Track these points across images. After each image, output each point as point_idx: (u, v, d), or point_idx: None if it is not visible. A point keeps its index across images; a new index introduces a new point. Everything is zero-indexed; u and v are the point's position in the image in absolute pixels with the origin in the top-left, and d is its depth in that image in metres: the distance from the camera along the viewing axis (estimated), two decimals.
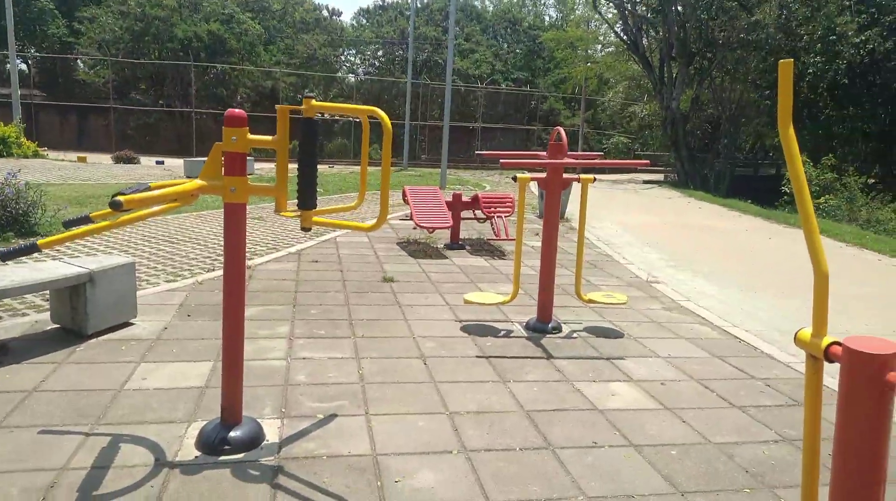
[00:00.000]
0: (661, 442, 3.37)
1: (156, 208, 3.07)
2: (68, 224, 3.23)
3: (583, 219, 5.19)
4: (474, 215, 9.25)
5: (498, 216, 8.59)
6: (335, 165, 27.83)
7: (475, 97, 37.88)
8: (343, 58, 46.22)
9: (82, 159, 21.64)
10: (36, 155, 21.14)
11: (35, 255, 5.56)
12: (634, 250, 9.38)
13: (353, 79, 43.86)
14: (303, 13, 42.19)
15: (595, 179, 5.15)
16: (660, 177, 26.29)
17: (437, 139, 33.57)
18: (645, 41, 26.34)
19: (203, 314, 5.08)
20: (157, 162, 22.67)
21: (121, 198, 2.56)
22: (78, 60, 40.23)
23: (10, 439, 3.02)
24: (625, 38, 26.19)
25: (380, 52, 43.47)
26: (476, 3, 46.80)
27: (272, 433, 3.21)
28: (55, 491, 2.63)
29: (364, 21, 44.97)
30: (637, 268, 8.04)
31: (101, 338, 4.38)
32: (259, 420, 3.26)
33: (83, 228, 2.88)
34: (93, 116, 35.54)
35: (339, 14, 45.10)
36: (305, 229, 3.21)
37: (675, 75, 24.76)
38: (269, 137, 3.07)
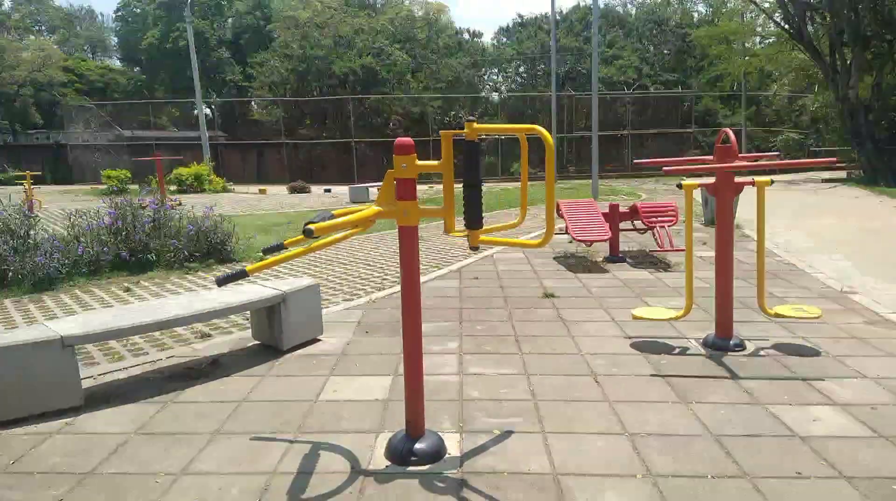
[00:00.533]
0: (878, 475, 3.01)
1: (340, 235, 3.33)
2: (266, 251, 3.61)
3: (761, 225, 4.82)
4: (633, 225, 8.95)
5: (660, 226, 8.24)
6: (485, 183, 28.35)
7: (622, 104, 36.77)
8: (486, 77, 47.11)
9: (262, 191, 24.03)
10: (224, 189, 23.87)
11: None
12: (822, 258, 8.51)
13: (496, 97, 44.53)
14: (445, 39, 43.66)
15: (772, 182, 4.77)
16: (842, 174, 23.67)
17: (583, 150, 33.00)
18: (810, 28, 23.97)
19: (379, 331, 5.39)
20: (325, 190, 24.53)
21: (312, 226, 2.82)
22: (252, 102, 44.85)
23: (229, 444, 3.42)
24: (786, 26, 24.04)
25: (521, 68, 43.78)
26: (618, 7, 45.60)
27: (453, 447, 3.32)
28: (269, 495, 2.93)
29: (504, 39, 45.55)
30: (827, 277, 7.28)
31: (295, 353, 4.82)
32: (440, 434, 3.39)
33: (282, 254, 3.21)
34: (268, 152, 39.37)
35: (480, 35, 46.05)
36: (474, 248, 3.31)
37: (848, 62, 22.24)
38: (435, 162, 3.21)
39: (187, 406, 3.90)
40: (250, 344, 5.10)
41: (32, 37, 52.62)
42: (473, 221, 3.11)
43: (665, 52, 41.06)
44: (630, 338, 5.12)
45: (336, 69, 37.99)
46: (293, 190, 24.20)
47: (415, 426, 3.24)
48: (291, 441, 3.42)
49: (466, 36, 45.30)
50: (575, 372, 4.39)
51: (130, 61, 54.17)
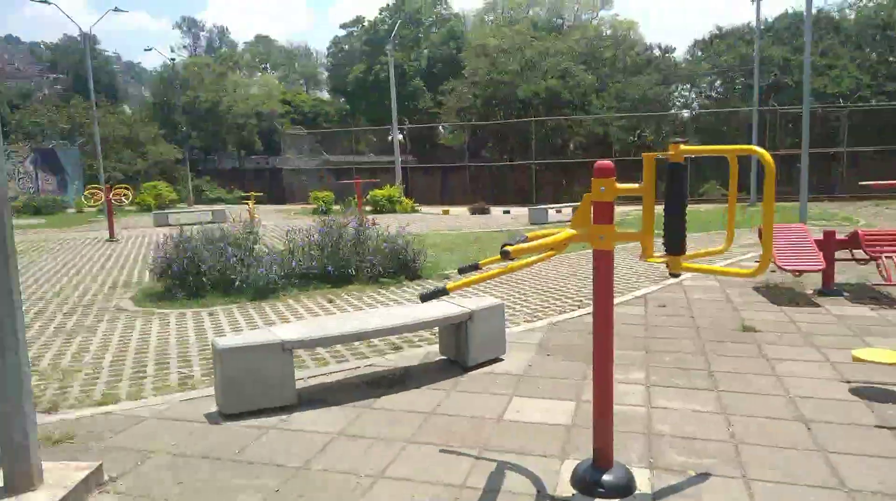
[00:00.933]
0: None
1: (534, 257, 3.38)
2: (462, 271, 3.77)
3: None
4: (852, 254, 7.93)
5: (887, 256, 7.20)
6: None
7: (836, 118, 32.81)
8: (676, 94, 44.90)
9: (446, 212, 25.14)
10: (413, 210, 25.35)
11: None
12: None
13: (686, 114, 42.25)
14: (633, 56, 42.43)
15: None
16: None
17: (788, 169, 29.92)
18: None
19: (561, 354, 5.35)
20: (504, 211, 24.99)
21: (508, 248, 2.90)
22: (440, 127, 47.21)
23: (420, 453, 3.60)
24: None
25: (717, 83, 41.04)
26: (834, 13, 40.94)
27: (643, 483, 3.18)
28: None
29: (699, 52, 43.08)
30: None
31: (479, 371, 4.95)
32: (628, 467, 3.27)
33: (479, 274, 3.33)
34: (451, 174, 41.15)
35: (672, 50, 44.01)
36: (674, 274, 3.17)
37: None
38: (634, 185, 3.14)
39: (382, 413, 4.18)
40: (437, 359, 5.34)
41: (259, 74, 60.61)
42: (676, 246, 2.99)
43: (890, 59, 36.00)
44: (849, 382, 4.53)
45: (521, 93, 38.68)
46: (474, 211, 24.95)
47: (603, 455, 3.16)
48: (477, 457, 3.51)
49: (657, 52, 43.62)
50: (781, 416, 3.98)
51: (338, 93, 60.02)
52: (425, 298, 3.11)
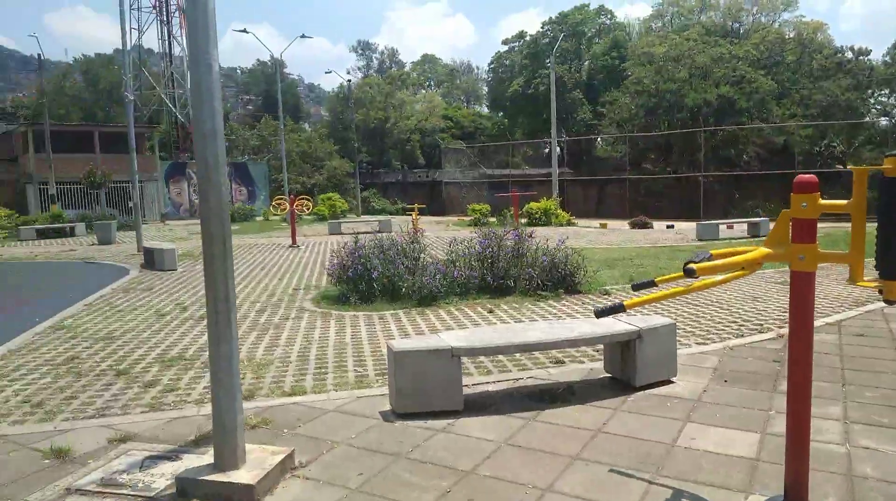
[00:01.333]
0: None
1: (720, 277, 3.18)
2: (637, 287, 3.65)
3: None
4: None
5: None
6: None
7: None
8: (872, 100, 40.09)
9: (603, 226, 24.50)
10: (569, 223, 25.02)
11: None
12: None
13: (884, 122, 37.52)
14: (821, 59, 38.53)
15: None
16: None
17: None
18: None
19: (739, 382, 4.98)
20: (668, 226, 23.81)
21: (693, 266, 2.76)
22: (598, 139, 46.17)
23: (588, 471, 3.53)
24: None
25: None
26: None
27: None
28: None
29: None
30: None
31: (647, 392, 4.76)
32: None
33: (658, 292, 3.21)
34: (609, 187, 40.03)
35: (867, 53, 39.31)
36: (889, 301, 2.83)
37: None
38: (842, 202, 2.85)
39: (547, 427, 4.16)
40: (601, 376, 5.21)
41: (423, 91, 63.48)
42: (891, 269, 2.68)
43: None
44: None
45: (688, 101, 36.72)
46: (634, 225, 24.04)
47: (796, 493, 2.89)
48: (650, 482, 3.37)
49: (849, 55, 39.27)
50: None
51: (496, 107, 61.17)
52: (601, 313, 3.05)
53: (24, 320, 8.17)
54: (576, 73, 50.74)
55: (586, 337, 4.77)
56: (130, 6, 38.07)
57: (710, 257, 3.00)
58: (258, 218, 34.01)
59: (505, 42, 58.89)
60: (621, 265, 11.96)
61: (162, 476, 3.48)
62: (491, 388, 4.99)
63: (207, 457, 3.52)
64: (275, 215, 31.54)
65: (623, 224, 25.43)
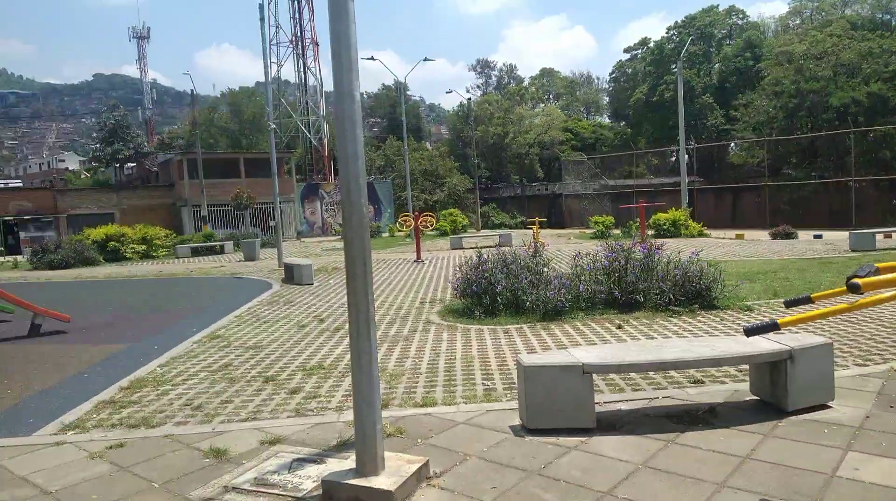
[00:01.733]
0: None
1: (888, 293, 2.89)
2: (790, 304, 3.40)
3: None
4: None
5: None
6: None
7: None
8: None
9: (739, 236, 22.95)
10: (700, 234, 23.72)
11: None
12: None
13: None
14: None
15: None
16: None
17: None
18: None
19: None
20: (815, 236, 21.87)
21: (859, 281, 2.53)
22: (732, 145, 43.49)
23: (735, 499, 3.31)
24: None
25: None
26: None
27: None
28: None
29: None
30: None
31: (800, 417, 4.38)
32: None
33: (818, 309, 2.97)
34: (744, 195, 37.50)
35: None
36: None
37: None
38: None
39: (688, 450, 3.95)
40: (747, 398, 4.87)
41: (542, 104, 63.21)
42: None
43: None
44: None
45: (834, 101, 33.72)
46: (776, 235, 22.28)
47: None
48: None
49: None
50: None
51: (618, 117, 59.55)
52: (752, 332, 2.87)
53: (184, 329, 9.04)
54: (705, 76, 48.25)
55: (730, 356, 4.48)
56: (270, 42, 41.31)
57: (877, 271, 2.74)
58: (384, 234, 35.39)
59: (627, 50, 57.35)
60: (763, 279, 11.15)
61: (308, 478, 3.69)
62: (623, 406, 4.83)
63: (349, 462, 3.69)
64: (399, 231, 32.66)
65: (762, 234, 23.67)
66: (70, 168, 79.70)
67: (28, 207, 34.90)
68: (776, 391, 4.53)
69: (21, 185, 58.92)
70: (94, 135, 58.98)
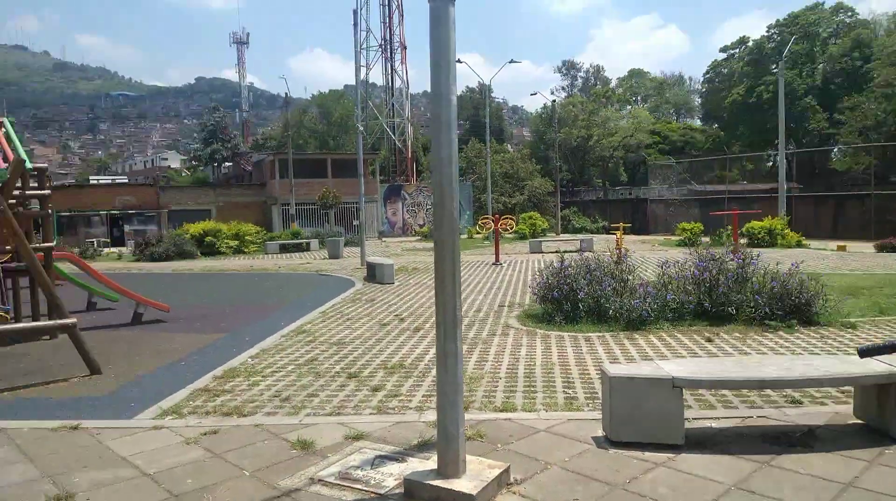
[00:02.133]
0: None
1: None
2: (863, 353, 3.11)
3: None
4: None
5: None
6: None
7: None
8: None
9: (841, 248, 21.46)
10: (798, 244, 22.36)
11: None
12: None
13: None
14: None
15: None
16: None
17: None
18: None
19: None
20: None
21: None
22: (835, 150, 40.76)
23: None
24: None
25: None
26: None
27: None
28: None
29: None
30: None
31: None
32: None
33: None
34: (848, 204, 35.02)
35: None
36: None
37: None
38: None
39: (785, 474, 3.73)
40: (850, 422, 4.55)
41: (629, 107, 61.57)
42: None
43: None
44: None
45: None
46: (882, 248, 20.66)
47: None
48: None
49: None
50: None
51: (711, 119, 57.07)
52: (867, 352, 2.68)
53: (273, 323, 9.42)
54: (808, 77, 45.46)
55: (835, 377, 4.20)
56: (360, 47, 42.43)
57: None
58: (462, 236, 35.54)
59: (723, 49, 54.80)
60: (868, 294, 10.38)
61: (391, 476, 3.76)
62: (714, 424, 4.62)
63: (430, 463, 3.72)
64: (478, 233, 32.70)
65: (866, 247, 22.02)
66: (172, 166, 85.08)
67: (132, 202, 37.46)
68: (885, 416, 4.20)
69: (126, 181, 63.43)
70: (195, 135, 62.60)
